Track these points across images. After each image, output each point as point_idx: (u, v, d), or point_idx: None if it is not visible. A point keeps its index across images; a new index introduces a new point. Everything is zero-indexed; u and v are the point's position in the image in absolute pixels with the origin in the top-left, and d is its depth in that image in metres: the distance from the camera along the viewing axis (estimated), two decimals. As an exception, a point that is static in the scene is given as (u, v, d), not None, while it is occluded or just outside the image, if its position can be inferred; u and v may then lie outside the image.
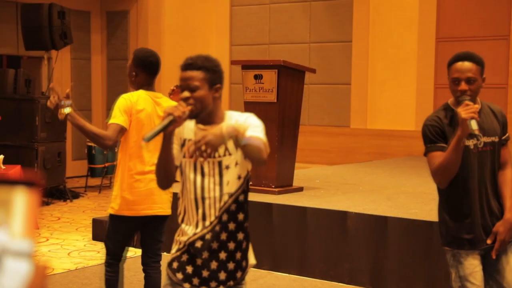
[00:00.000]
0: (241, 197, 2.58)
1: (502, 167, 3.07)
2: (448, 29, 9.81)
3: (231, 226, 2.53)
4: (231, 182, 2.54)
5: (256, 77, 5.84)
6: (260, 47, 11.38)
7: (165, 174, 2.55)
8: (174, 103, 3.37)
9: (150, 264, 3.84)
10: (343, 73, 10.57)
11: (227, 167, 2.53)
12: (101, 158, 9.65)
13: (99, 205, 8.64)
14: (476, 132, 2.82)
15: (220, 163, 2.53)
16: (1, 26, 10.10)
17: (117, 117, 3.54)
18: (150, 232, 3.77)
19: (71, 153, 10.67)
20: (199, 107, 2.51)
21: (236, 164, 2.54)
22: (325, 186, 6.50)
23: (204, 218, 2.52)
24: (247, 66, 5.98)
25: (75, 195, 9.17)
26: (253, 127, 2.46)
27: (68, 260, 5.81)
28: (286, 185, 5.98)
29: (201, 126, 2.56)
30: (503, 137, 3.07)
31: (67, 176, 9.55)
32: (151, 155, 3.56)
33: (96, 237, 6.56)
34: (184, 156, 2.55)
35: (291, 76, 5.90)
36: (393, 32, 10.18)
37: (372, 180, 7.03)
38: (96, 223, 6.64)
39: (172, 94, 4.81)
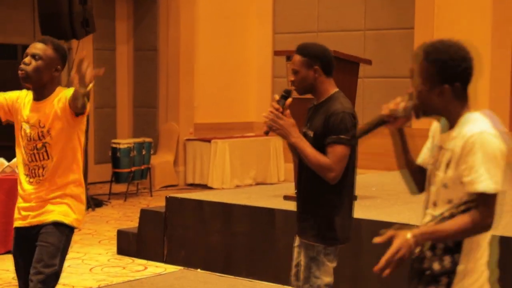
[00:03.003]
0: None
1: None
2: (528, 13, 9.64)
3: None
4: (438, 203, 2.49)
5: (303, 69, 5.83)
6: (307, 35, 11.36)
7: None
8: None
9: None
10: (404, 65, 10.47)
11: (445, 186, 2.45)
12: (127, 161, 9.77)
13: (125, 214, 8.75)
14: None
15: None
16: (16, 13, 10.33)
17: None
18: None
19: (94, 156, 10.83)
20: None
21: (445, 185, 2.45)
22: (382, 194, 6.45)
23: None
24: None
25: (98, 203, 9.31)
26: (474, 173, 2.33)
27: (89, 276, 5.90)
28: (337, 193, 5.95)
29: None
30: (326, 139, 3.36)
31: (89, 181, 9.70)
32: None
33: (121, 251, 6.65)
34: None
35: (343, 69, 5.87)
36: (462, 17, 10.05)
37: (437, 189, 6.95)
38: (121, 235, 6.73)
39: None
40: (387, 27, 10.65)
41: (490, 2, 9.81)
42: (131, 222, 7.90)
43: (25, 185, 3.51)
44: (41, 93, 3.51)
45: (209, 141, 10.93)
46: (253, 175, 11.19)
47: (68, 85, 3.49)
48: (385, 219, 5.24)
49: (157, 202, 8.95)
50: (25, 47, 3.55)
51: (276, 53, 6.78)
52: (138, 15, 11.62)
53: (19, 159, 3.57)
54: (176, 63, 11.24)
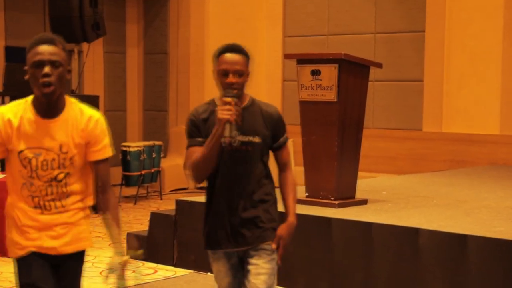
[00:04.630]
0: None
1: (282, 169, 3.39)
2: (539, 16, 9.61)
3: None
4: None
5: (313, 72, 5.84)
6: (317, 39, 11.37)
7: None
8: None
9: None
10: (414, 68, 10.46)
11: None
12: (137, 165, 9.79)
13: (135, 217, 8.77)
14: (225, 140, 3.13)
15: None
16: (26, 16, 10.38)
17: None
18: None
19: (104, 159, 10.85)
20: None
21: None
22: (392, 198, 6.44)
23: None
24: (303, 60, 5.98)
25: (108, 207, 9.33)
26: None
27: (99, 279, 5.92)
28: (347, 197, 5.95)
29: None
30: (279, 141, 3.33)
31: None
32: None
33: (131, 254, 6.66)
34: None
35: (354, 72, 5.88)
36: (474, 19, 10.02)
37: (448, 193, 6.93)
38: (131, 238, 6.74)
39: None
40: (397, 30, 10.63)
41: (501, 5, 9.78)
42: (141, 226, 7.92)
43: (37, 216, 3.00)
44: (55, 107, 2.94)
45: (219, 144, 10.93)
46: (263, 178, 11.18)
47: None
48: (396, 223, 5.23)
49: (167, 205, 8.96)
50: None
51: (286, 56, 6.77)
52: (148, 18, 11.67)
53: (16, 190, 3.00)
54: (186, 66, 11.26)
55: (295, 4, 11.65)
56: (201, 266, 6.14)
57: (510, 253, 4.68)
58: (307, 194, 5.95)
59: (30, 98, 2.99)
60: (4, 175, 6.58)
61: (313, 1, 11.45)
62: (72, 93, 9.13)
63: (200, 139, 3.23)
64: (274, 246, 3.25)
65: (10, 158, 2.98)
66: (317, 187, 5.87)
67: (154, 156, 10.06)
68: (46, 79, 2.84)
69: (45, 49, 2.87)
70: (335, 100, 5.73)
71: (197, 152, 3.21)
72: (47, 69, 2.84)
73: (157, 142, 10.28)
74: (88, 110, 3.01)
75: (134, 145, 9.93)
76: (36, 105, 2.94)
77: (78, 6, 8.98)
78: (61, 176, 2.98)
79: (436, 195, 6.73)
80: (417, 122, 10.40)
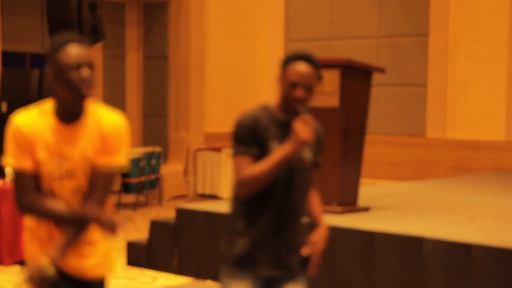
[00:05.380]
0: None
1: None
2: (545, 20, 9.61)
3: None
4: None
5: (315, 78, 5.84)
6: (320, 43, 11.38)
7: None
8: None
9: None
10: (418, 72, 10.47)
11: None
12: (137, 171, 9.80)
13: (134, 225, 8.77)
14: (301, 163, 2.91)
15: None
16: (24, 20, 10.40)
17: None
18: None
19: (102, 166, 10.87)
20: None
21: None
22: (396, 205, 6.44)
23: None
24: (304, 65, 5.98)
25: (107, 214, 9.33)
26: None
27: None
28: (349, 203, 5.95)
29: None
30: (316, 159, 3.13)
31: (98, 191, 9.73)
32: None
33: (130, 262, 6.66)
34: None
35: (357, 77, 5.88)
36: (479, 23, 10.04)
37: (453, 199, 6.92)
38: (131, 246, 6.74)
39: None
40: (401, 34, 10.65)
41: (507, 8, 9.79)
42: (141, 233, 7.92)
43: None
44: (80, 110, 2.78)
45: (219, 150, 10.94)
46: (264, 185, 11.19)
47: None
48: (399, 230, 5.22)
49: (167, 212, 8.96)
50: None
51: (288, 61, 6.77)
52: (148, 22, 11.68)
53: None
54: (186, 71, 11.27)
55: (298, 8, 11.67)
56: (202, 274, 6.14)
57: (516, 261, 4.67)
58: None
59: (47, 104, 2.80)
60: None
61: (315, 5, 11.47)
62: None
63: (255, 150, 2.91)
64: (307, 251, 3.03)
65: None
66: (319, 193, 5.86)
67: (153, 162, 10.07)
68: (87, 84, 2.71)
69: (79, 51, 2.75)
70: (338, 106, 5.74)
71: (247, 163, 2.90)
72: (87, 72, 2.72)
73: (156, 149, 10.29)
74: (109, 114, 2.83)
75: (134, 151, 9.94)
76: (59, 110, 2.76)
77: (77, 10, 8.98)
78: (86, 185, 2.80)
79: (440, 201, 6.73)
80: (421, 128, 10.40)
